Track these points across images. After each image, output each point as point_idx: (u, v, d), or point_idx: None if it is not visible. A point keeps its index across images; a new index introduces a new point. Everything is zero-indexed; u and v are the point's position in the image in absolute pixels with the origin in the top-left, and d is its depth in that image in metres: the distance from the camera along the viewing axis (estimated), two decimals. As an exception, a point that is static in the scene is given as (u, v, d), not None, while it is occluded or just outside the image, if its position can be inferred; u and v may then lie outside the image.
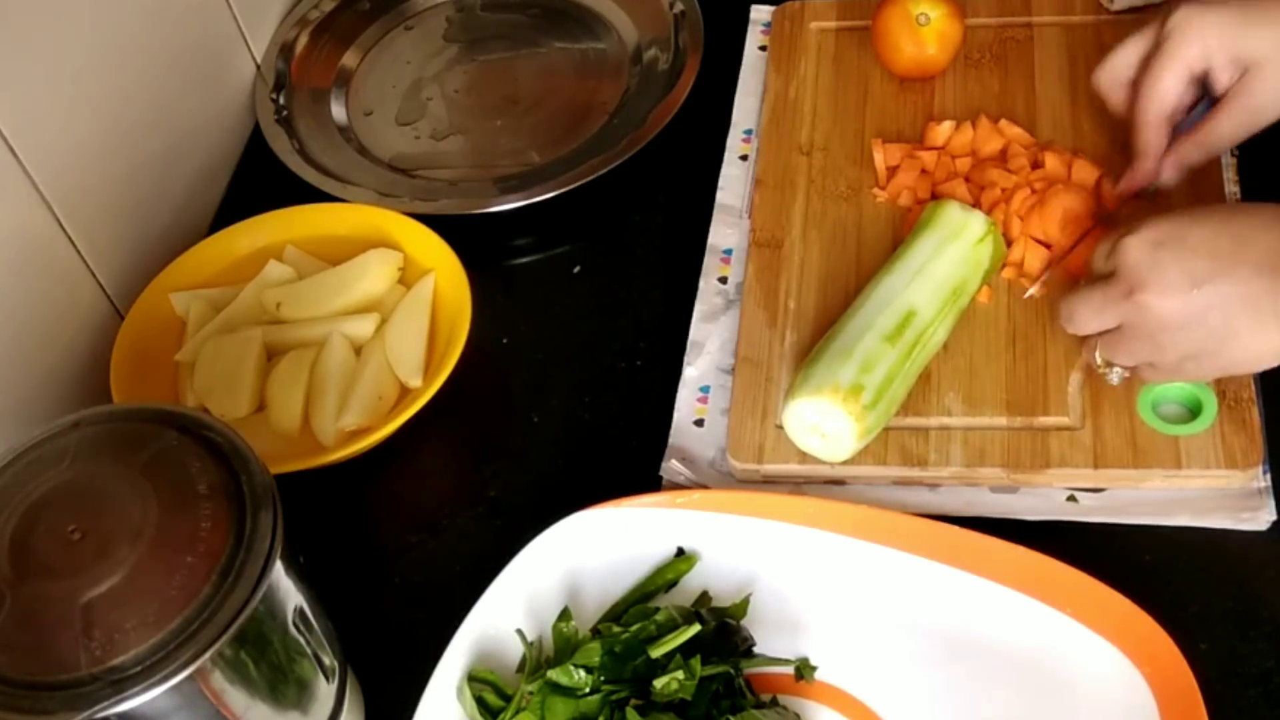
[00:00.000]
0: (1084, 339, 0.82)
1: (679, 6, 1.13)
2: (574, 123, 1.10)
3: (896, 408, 0.84)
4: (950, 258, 0.86)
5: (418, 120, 1.12)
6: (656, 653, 0.72)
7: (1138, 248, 0.76)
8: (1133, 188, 0.89)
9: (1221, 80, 0.84)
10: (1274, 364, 0.76)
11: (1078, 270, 0.88)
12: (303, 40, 1.16)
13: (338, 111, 1.13)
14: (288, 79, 1.13)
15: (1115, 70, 0.89)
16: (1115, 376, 0.82)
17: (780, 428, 0.85)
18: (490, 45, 1.17)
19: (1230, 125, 0.85)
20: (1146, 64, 0.86)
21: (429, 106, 1.13)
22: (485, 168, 1.08)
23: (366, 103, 1.14)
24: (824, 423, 0.82)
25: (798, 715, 0.75)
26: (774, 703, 0.75)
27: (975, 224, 0.87)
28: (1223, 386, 0.83)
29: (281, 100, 1.11)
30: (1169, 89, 0.85)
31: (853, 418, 0.81)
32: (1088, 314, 0.79)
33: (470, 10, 1.20)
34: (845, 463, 0.84)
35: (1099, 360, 0.81)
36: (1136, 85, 0.87)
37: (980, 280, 0.88)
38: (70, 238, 0.92)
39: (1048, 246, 0.90)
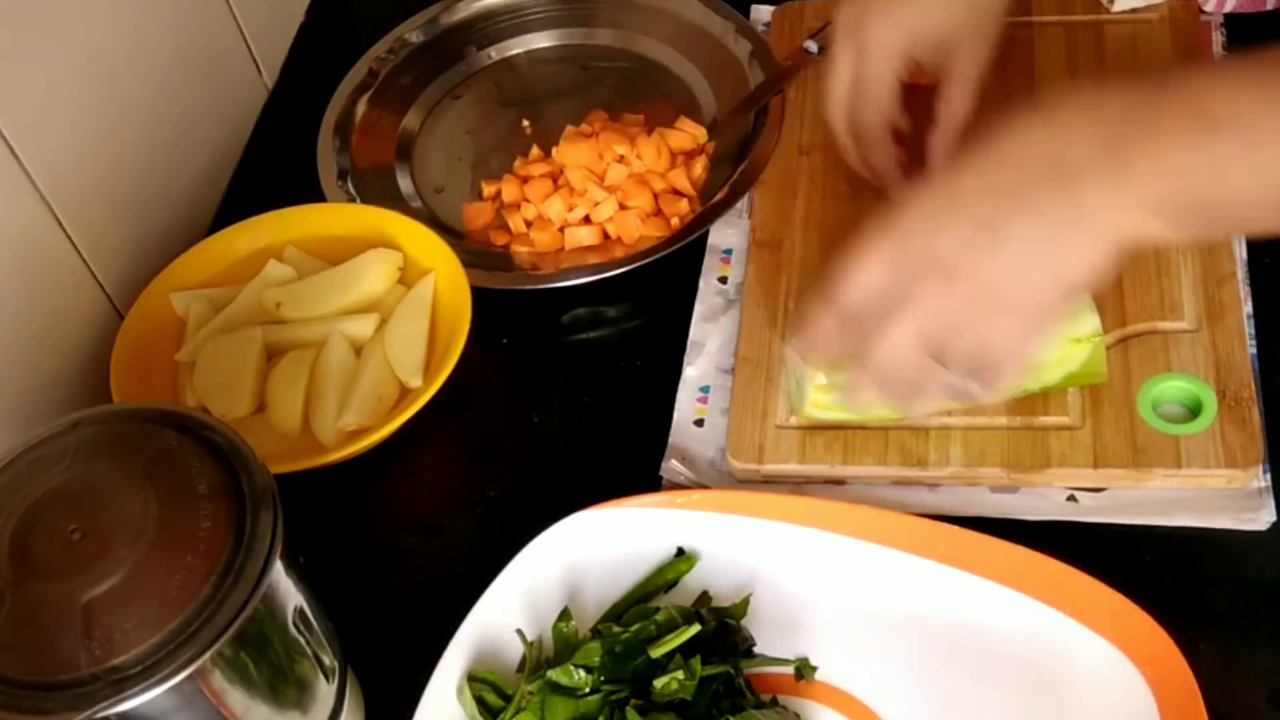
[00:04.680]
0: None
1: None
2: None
3: (878, 415, 0.83)
4: None
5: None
6: (656, 653, 0.72)
7: (909, 221, 0.67)
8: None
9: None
10: (1087, 267, 0.66)
11: None
12: (358, 117, 1.09)
13: (405, 185, 1.06)
14: (351, 164, 1.06)
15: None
16: (979, 391, 0.71)
17: (780, 428, 0.86)
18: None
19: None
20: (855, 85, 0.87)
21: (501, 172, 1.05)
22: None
23: (435, 179, 1.07)
24: (799, 371, 0.84)
25: (798, 715, 0.75)
26: (774, 703, 0.75)
27: (1086, 322, 0.81)
28: (1223, 386, 0.82)
29: (351, 188, 1.04)
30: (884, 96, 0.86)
31: (815, 383, 0.81)
32: (884, 338, 0.68)
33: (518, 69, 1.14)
34: (845, 462, 0.84)
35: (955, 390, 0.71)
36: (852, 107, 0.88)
37: (1058, 380, 0.82)
38: (70, 238, 0.92)
39: None
